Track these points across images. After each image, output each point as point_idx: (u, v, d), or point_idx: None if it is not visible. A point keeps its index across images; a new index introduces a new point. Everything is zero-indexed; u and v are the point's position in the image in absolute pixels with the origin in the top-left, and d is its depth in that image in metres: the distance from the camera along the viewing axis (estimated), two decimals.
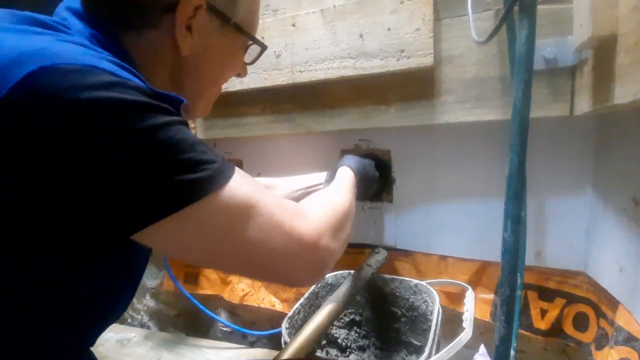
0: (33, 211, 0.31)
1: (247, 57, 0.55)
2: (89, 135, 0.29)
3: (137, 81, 0.32)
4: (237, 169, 0.37)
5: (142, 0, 0.40)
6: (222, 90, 0.89)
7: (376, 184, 0.79)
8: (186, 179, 0.31)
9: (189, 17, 0.42)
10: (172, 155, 0.31)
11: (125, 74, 0.32)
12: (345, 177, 0.65)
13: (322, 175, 0.77)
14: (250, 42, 0.52)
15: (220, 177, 0.34)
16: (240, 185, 0.35)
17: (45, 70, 0.28)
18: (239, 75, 0.56)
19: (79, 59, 0.30)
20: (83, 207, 0.30)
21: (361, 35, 0.76)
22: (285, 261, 0.38)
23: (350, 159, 0.72)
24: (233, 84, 0.90)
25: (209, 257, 0.37)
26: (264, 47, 0.54)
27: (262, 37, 0.85)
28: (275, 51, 0.84)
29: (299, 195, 0.77)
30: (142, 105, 0.30)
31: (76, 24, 0.39)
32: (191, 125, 0.99)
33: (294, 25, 0.82)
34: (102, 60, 0.32)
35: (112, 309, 0.45)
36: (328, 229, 0.41)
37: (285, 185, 0.77)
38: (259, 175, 1.01)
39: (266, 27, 0.85)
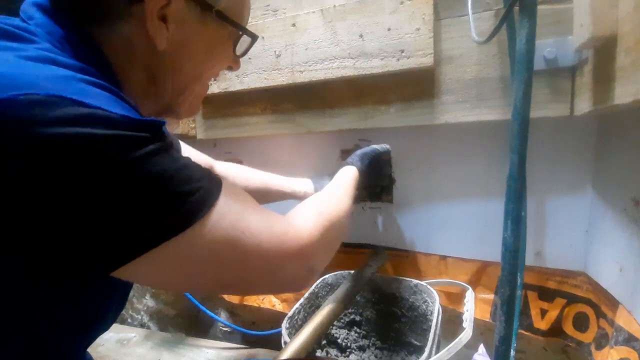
0: (11, 239, 0.29)
1: (238, 49, 0.48)
2: (54, 176, 0.26)
3: (110, 107, 0.29)
4: (223, 187, 0.35)
5: None
6: (222, 90, 0.91)
7: (388, 166, 0.82)
8: (160, 217, 0.29)
9: (161, 6, 0.38)
10: (146, 194, 0.29)
11: (94, 101, 0.28)
12: (346, 176, 0.63)
13: (307, 184, 0.77)
14: (240, 33, 0.46)
15: (198, 212, 0.31)
16: (222, 217, 0.33)
17: (4, 103, 0.25)
18: (230, 68, 0.50)
19: (42, 87, 0.27)
20: (57, 245, 0.29)
21: (361, 35, 0.76)
22: (271, 276, 0.38)
23: (354, 156, 0.71)
24: (233, 84, 0.90)
25: (190, 286, 0.38)
26: (254, 37, 0.48)
27: (262, 37, 0.85)
28: (275, 51, 0.84)
29: (272, 195, 0.78)
30: (112, 140, 0.28)
31: (43, 22, 0.35)
32: (191, 126, 0.99)
33: (294, 25, 0.82)
34: (71, 82, 0.29)
35: (101, 321, 0.43)
36: (319, 240, 0.41)
37: (258, 180, 0.77)
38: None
39: (266, 27, 0.85)
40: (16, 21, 0.35)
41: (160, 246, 0.30)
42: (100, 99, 0.29)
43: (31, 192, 0.26)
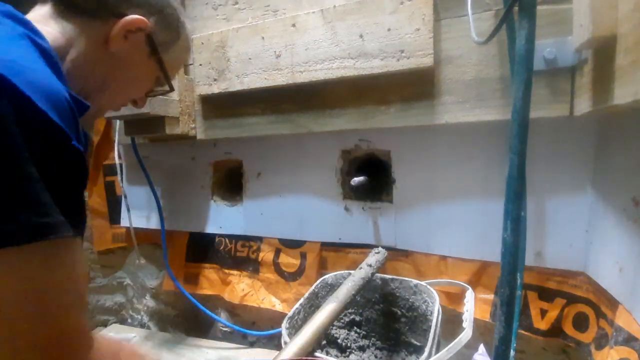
0: None
1: (153, 92, 0.64)
2: None
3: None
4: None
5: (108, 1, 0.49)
6: (222, 90, 0.91)
7: None
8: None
9: (129, 30, 0.50)
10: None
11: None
12: None
13: None
14: (162, 84, 0.61)
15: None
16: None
17: None
18: (135, 103, 0.62)
19: None
20: None
21: (361, 36, 0.76)
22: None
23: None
24: (233, 84, 0.90)
25: None
26: (171, 89, 0.62)
27: (262, 38, 0.85)
28: (275, 51, 0.84)
29: None
30: None
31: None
32: (191, 126, 0.99)
33: (294, 25, 0.82)
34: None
35: None
36: None
37: None
38: (259, 175, 1.01)
39: (266, 27, 0.85)
40: None
41: None
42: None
43: None
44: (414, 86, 0.75)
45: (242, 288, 1.05)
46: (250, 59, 0.87)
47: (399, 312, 0.81)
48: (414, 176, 0.85)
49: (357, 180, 0.84)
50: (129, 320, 1.32)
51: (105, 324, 1.30)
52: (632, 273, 0.55)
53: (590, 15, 0.48)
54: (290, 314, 0.70)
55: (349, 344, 0.85)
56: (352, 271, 0.78)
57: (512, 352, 0.69)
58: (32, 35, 0.40)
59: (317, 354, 0.76)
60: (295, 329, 0.68)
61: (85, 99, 0.43)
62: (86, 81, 0.50)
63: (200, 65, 0.94)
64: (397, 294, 0.81)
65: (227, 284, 1.08)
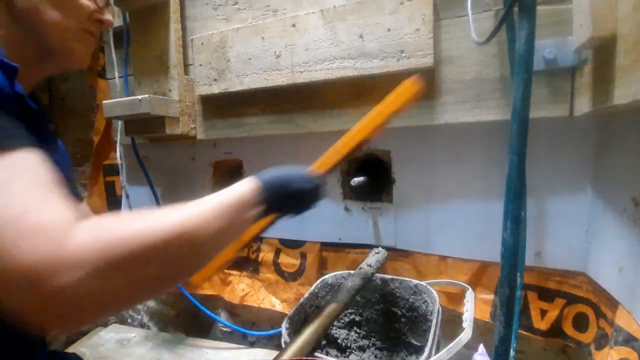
0: None
1: None
2: None
3: None
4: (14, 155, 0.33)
5: None
6: (222, 91, 0.91)
7: (319, 195, 0.57)
8: None
9: None
10: None
11: None
12: (235, 192, 0.44)
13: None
14: None
15: None
16: None
17: None
18: (99, 20, 0.54)
19: None
20: None
21: (361, 36, 0.76)
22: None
23: (273, 170, 0.54)
24: (233, 84, 0.90)
25: None
26: None
27: (262, 38, 0.85)
28: (275, 51, 0.84)
29: None
30: None
31: None
32: (191, 126, 0.99)
33: (294, 25, 0.82)
34: None
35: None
36: (90, 263, 0.29)
37: None
38: None
39: (266, 28, 0.85)
40: None
41: None
42: None
43: None
44: None
45: (242, 288, 1.05)
46: (250, 59, 0.87)
47: (399, 312, 0.81)
48: (414, 176, 0.85)
49: (357, 180, 0.84)
50: (129, 320, 1.32)
51: (105, 324, 1.30)
52: (632, 273, 0.55)
53: (590, 15, 0.49)
54: (290, 313, 0.70)
55: (349, 344, 0.85)
56: (352, 271, 0.78)
57: (512, 352, 0.69)
58: None
59: (317, 354, 0.76)
60: (295, 329, 0.68)
61: (38, 45, 0.48)
62: (15, 33, 0.48)
63: (200, 65, 0.94)
64: (397, 294, 0.81)
65: (227, 284, 1.08)
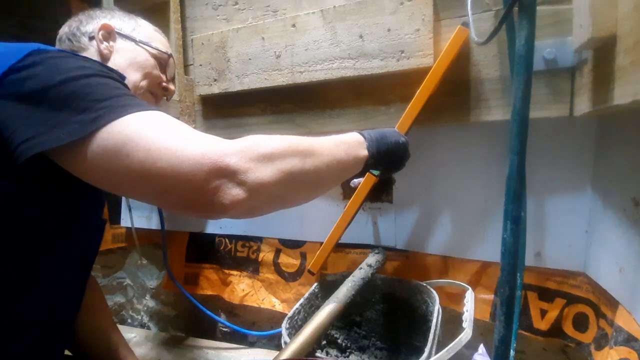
0: None
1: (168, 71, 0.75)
2: None
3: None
4: (142, 111, 0.41)
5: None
6: (222, 91, 0.91)
7: (406, 152, 0.62)
8: (74, 119, 0.39)
9: (104, 37, 0.66)
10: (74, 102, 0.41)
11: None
12: (345, 135, 0.55)
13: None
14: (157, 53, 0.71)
15: (100, 121, 0.39)
16: (124, 126, 0.39)
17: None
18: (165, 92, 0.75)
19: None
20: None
21: (361, 36, 0.76)
22: (177, 182, 0.38)
23: (371, 134, 0.58)
24: (233, 84, 0.90)
25: (109, 182, 0.41)
26: (169, 55, 0.74)
27: (262, 38, 0.85)
28: (275, 52, 0.84)
29: None
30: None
31: None
32: (191, 126, 0.99)
33: (294, 25, 0.82)
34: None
35: (64, 247, 0.54)
36: (242, 151, 0.43)
37: None
38: None
39: (266, 28, 0.85)
40: None
41: (75, 142, 0.39)
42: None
43: None
44: (414, 86, 0.75)
45: (242, 288, 1.05)
46: (250, 59, 0.87)
47: (399, 313, 0.81)
48: (414, 176, 0.85)
49: (357, 181, 0.84)
50: (129, 321, 1.32)
51: None
52: (632, 273, 0.55)
53: (590, 15, 0.49)
54: (290, 314, 0.70)
55: (349, 344, 0.85)
56: (352, 271, 0.78)
57: (512, 352, 0.69)
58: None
59: (317, 354, 0.76)
60: (295, 329, 0.69)
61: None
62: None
63: (201, 65, 0.94)
64: (397, 294, 0.81)
65: (227, 284, 1.08)
